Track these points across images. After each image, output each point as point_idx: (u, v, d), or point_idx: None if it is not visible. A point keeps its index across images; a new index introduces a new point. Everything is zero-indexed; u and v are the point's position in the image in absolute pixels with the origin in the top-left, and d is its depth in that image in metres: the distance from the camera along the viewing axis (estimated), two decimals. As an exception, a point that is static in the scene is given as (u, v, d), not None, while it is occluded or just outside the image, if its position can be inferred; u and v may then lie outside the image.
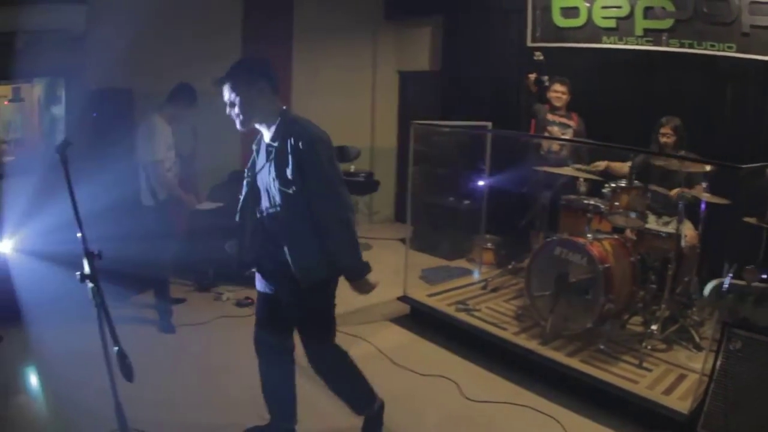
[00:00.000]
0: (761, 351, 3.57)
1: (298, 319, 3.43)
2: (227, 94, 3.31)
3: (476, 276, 6.71)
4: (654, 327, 4.82)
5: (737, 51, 5.86)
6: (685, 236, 5.02)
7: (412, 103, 9.57)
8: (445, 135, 8.03)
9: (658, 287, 5.16)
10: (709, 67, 6.11)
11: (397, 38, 9.43)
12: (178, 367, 4.64)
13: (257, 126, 3.33)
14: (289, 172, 3.10)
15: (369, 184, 8.21)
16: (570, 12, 7.08)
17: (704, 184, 5.01)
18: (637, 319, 5.33)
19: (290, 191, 3.12)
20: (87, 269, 2.42)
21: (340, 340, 5.13)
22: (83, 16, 6.40)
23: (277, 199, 3.20)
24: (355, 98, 9.34)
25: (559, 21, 7.19)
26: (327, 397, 3.90)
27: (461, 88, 8.45)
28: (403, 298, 5.85)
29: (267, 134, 3.30)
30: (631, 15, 6.54)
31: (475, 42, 8.26)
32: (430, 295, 5.88)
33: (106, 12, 6.42)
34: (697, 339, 4.91)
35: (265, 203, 3.35)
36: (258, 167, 3.34)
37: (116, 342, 2.26)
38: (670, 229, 5.12)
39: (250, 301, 5.92)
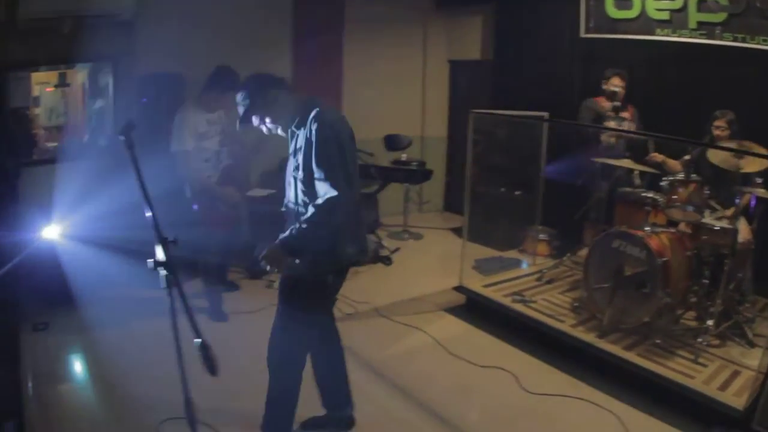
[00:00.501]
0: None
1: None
2: (256, 121, 3.38)
3: (526, 267, 6.80)
4: (709, 322, 4.86)
5: (790, 46, 5.82)
6: (740, 232, 5.04)
7: (462, 93, 9.59)
8: (499, 125, 8.04)
9: (712, 282, 5.16)
10: (762, 62, 6.04)
11: (447, 27, 9.44)
12: (231, 355, 4.65)
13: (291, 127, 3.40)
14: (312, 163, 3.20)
15: (422, 173, 8.25)
16: (623, 3, 7.04)
17: (759, 180, 5.02)
18: (690, 314, 5.35)
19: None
20: (161, 256, 2.35)
21: (395, 329, 5.33)
22: (133, 0, 6.42)
23: (299, 194, 3.34)
24: (406, 88, 9.38)
25: (613, 12, 7.16)
26: (379, 385, 4.06)
27: (512, 78, 8.47)
28: (459, 288, 5.95)
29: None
30: (684, 7, 6.49)
31: (527, 32, 8.28)
32: (486, 286, 5.96)
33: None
34: (749, 335, 4.95)
35: (287, 196, 3.49)
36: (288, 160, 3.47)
37: (198, 333, 2.17)
38: (725, 224, 5.12)
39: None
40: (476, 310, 5.79)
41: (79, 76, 6.64)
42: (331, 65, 8.59)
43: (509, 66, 8.56)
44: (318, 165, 3.16)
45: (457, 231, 8.56)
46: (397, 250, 7.48)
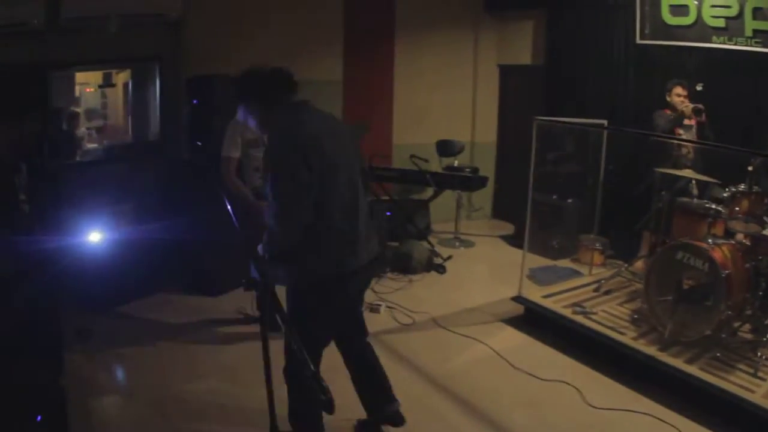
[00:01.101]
0: None
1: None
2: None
3: (583, 276, 6.75)
4: (768, 336, 4.82)
5: None
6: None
7: (511, 98, 9.57)
8: (555, 131, 7.92)
9: (764, 294, 5.09)
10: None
11: (498, 32, 9.43)
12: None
13: None
14: None
15: (478, 180, 8.26)
16: (679, 9, 6.99)
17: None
18: (746, 326, 5.27)
19: None
20: (254, 274, 2.38)
21: (455, 341, 5.38)
22: (180, 1, 6.46)
23: None
24: (456, 92, 9.38)
25: (668, 18, 7.11)
26: (444, 399, 4.09)
27: (564, 83, 8.44)
28: (518, 299, 5.93)
29: None
30: (740, 15, 6.44)
31: (580, 37, 8.24)
32: (545, 297, 5.93)
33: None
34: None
35: None
36: None
37: (314, 368, 2.23)
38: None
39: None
40: (536, 321, 5.76)
41: (122, 76, 6.60)
42: (383, 69, 8.67)
43: (561, 71, 8.52)
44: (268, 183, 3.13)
45: (506, 239, 8.59)
46: (449, 257, 7.50)
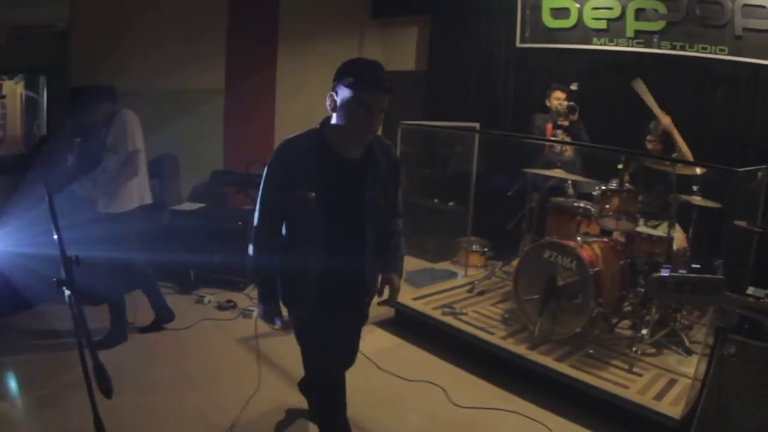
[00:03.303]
0: (756, 356, 3.49)
1: None
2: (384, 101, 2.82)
3: (460, 278, 6.62)
4: (644, 331, 4.77)
5: (729, 54, 5.80)
6: (675, 240, 4.97)
7: (396, 104, 9.36)
8: (431, 135, 7.91)
9: (646, 291, 5.08)
10: (699, 70, 6.08)
11: (383, 38, 9.29)
12: (159, 372, 4.52)
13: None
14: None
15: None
16: (560, 13, 7.00)
17: (695, 188, 4.97)
18: (626, 322, 5.28)
19: None
20: (64, 275, 2.23)
21: None
22: (67, 11, 6.21)
23: None
24: (340, 99, 9.15)
25: (549, 22, 7.10)
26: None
27: (448, 88, 8.34)
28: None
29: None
30: (622, 16, 6.48)
31: (463, 42, 8.16)
32: (416, 299, 5.76)
33: (90, 7, 6.30)
34: (687, 343, 4.86)
35: None
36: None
37: (94, 355, 2.06)
38: (660, 232, 5.07)
39: (232, 304, 5.82)
40: (406, 323, 5.58)
41: (18, 87, 6.31)
42: (265, 77, 8.38)
43: (443, 76, 8.43)
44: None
45: (384, 243, 8.36)
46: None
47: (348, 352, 3.46)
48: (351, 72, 2.84)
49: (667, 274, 2.21)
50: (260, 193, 2.91)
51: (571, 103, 6.11)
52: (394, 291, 3.26)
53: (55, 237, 2.26)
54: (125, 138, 4.70)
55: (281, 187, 2.84)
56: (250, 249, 2.96)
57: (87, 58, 6.29)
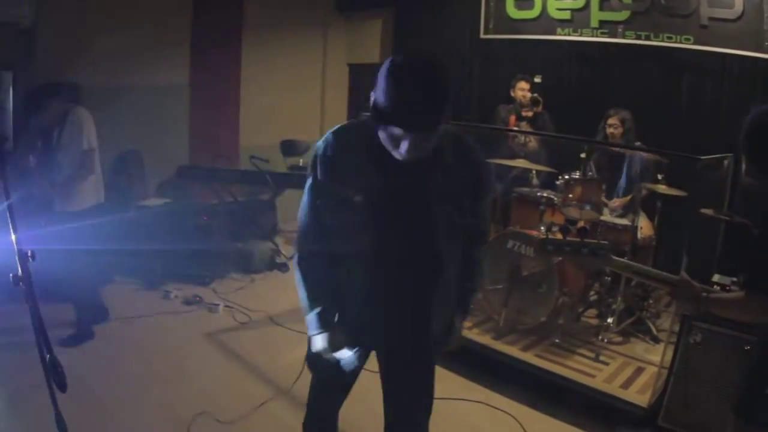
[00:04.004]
0: (721, 343, 3.51)
1: None
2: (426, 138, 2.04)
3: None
4: (610, 320, 4.75)
5: (695, 43, 5.82)
6: (641, 228, 4.97)
7: (361, 97, 9.33)
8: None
9: (613, 280, 5.10)
10: (665, 60, 6.08)
11: (348, 31, 9.25)
12: (125, 369, 4.41)
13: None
14: None
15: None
16: (524, 3, 6.99)
17: (659, 176, 4.96)
18: (592, 312, 5.28)
19: None
20: (20, 271, 2.12)
21: (289, 337, 5.12)
22: (32, 8, 6.18)
23: None
24: (305, 92, 9.10)
25: (513, 12, 7.10)
26: (275, 395, 3.84)
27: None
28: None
29: None
30: (586, 6, 6.47)
31: (427, 34, 8.13)
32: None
33: (55, 4, 6.23)
34: (654, 331, 4.88)
35: None
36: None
37: (48, 349, 1.99)
38: (625, 221, 5.06)
39: (198, 299, 5.73)
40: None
41: None
42: (230, 71, 8.26)
43: (407, 69, 8.32)
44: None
45: (353, 234, 8.31)
46: (293, 256, 7.12)
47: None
48: (386, 92, 1.99)
49: (548, 237, 2.31)
50: (304, 195, 2.35)
51: (535, 94, 6.10)
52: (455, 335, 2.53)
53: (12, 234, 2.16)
54: (80, 137, 4.59)
55: (321, 187, 2.27)
56: (295, 262, 2.44)
57: (53, 56, 6.22)
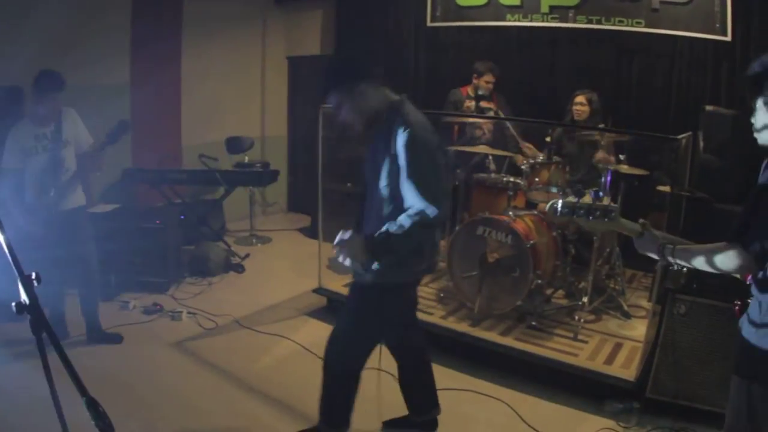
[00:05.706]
0: (705, 314, 3.62)
1: None
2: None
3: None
4: (585, 299, 4.83)
5: (646, 26, 5.94)
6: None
7: (302, 90, 9.29)
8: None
9: (578, 260, 5.21)
10: (617, 43, 6.19)
11: (287, 23, 9.14)
12: (91, 385, 4.20)
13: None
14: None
15: (268, 175, 7.89)
16: (473, -10, 6.98)
17: (621, 156, 5.05)
18: (560, 293, 5.36)
19: None
20: (24, 298, 1.83)
21: (261, 340, 5.07)
22: None
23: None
24: (245, 88, 8.97)
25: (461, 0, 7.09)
26: (255, 399, 3.87)
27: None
28: (319, 290, 5.61)
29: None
30: (536, -8, 6.51)
31: (371, 24, 8.09)
32: (346, 285, 5.58)
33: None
34: (625, 307, 4.99)
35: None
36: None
37: (82, 390, 1.76)
38: (588, 201, 5.12)
39: (158, 307, 5.52)
40: (339, 311, 5.40)
41: None
42: (170, 67, 8.05)
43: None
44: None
45: (304, 231, 8.32)
46: (247, 256, 7.05)
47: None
48: None
49: (560, 202, 2.44)
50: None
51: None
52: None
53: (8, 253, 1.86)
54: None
55: None
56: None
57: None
